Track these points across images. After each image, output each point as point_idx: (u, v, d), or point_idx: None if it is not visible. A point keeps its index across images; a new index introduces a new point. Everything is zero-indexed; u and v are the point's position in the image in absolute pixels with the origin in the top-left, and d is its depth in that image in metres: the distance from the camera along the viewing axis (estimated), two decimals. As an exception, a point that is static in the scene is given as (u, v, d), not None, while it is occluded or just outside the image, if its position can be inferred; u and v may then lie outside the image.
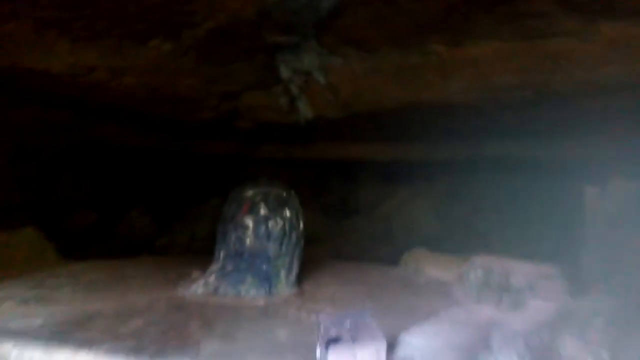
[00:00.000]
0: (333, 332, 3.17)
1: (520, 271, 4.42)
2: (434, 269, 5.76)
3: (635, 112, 4.79)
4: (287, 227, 5.04)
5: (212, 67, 5.47)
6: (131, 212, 9.60)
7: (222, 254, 5.10)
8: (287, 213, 5.12)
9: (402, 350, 3.46)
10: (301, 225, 5.22)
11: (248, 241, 5.01)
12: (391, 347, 3.36)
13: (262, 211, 5.07)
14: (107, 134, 7.58)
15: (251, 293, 4.76)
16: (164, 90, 5.84)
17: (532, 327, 3.66)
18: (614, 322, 3.38)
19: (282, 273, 4.95)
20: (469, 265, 4.90)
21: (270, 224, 5.01)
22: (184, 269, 5.57)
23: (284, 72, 5.70)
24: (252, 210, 5.09)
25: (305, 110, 6.41)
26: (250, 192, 5.23)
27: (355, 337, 3.13)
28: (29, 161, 7.33)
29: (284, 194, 5.26)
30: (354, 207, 10.21)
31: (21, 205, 7.08)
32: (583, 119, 5.30)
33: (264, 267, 4.88)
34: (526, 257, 4.65)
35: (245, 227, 5.05)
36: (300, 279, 5.22)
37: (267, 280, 4.84)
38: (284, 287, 4.93)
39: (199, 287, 4.86)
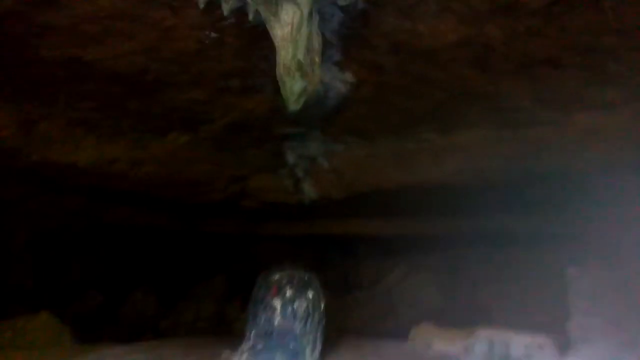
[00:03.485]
0: None
1: (519, 342, 4.75)
2: (441, 342, 5.96)
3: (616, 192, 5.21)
4: (310, 307, 5.39)
5: (224, 154, 5.95)
6: (135, 292, 9.67)
7: (252, 334, 5.41)
8: (310, 294, 5.49)
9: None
10: (322, 305, 5.56)
11: (276, 321, 5.33)
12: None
13: (288, 293, 5.43)
14: (119, 217, 7.91)
15: None
16: (179, 176, 6.28)
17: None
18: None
19: (308, 350, 5.25)
20: (474, 338, 5.18)
21: (296, 304, 5.35)
22: (213, 349, 5.81)
23: (290, 157, 6.18)
24: (279, 292, 5.45)
25: (309, 191, 6.83)
26: (277, 276, 5.63)
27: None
28: (42, 246, 7.59)
29: (306, 277, 5.66)
30: (355, 282, 10.35)
31: (34, 290, 7.27)
32: (570, 199, 5.75)
33: (292, 344, 5.15)
34: (523, 328, 4.95)
35: (274, 308, 5.39)
36: (322, 355, 5.50)
37: (295, 357, 5.13)
38: None
39: None
